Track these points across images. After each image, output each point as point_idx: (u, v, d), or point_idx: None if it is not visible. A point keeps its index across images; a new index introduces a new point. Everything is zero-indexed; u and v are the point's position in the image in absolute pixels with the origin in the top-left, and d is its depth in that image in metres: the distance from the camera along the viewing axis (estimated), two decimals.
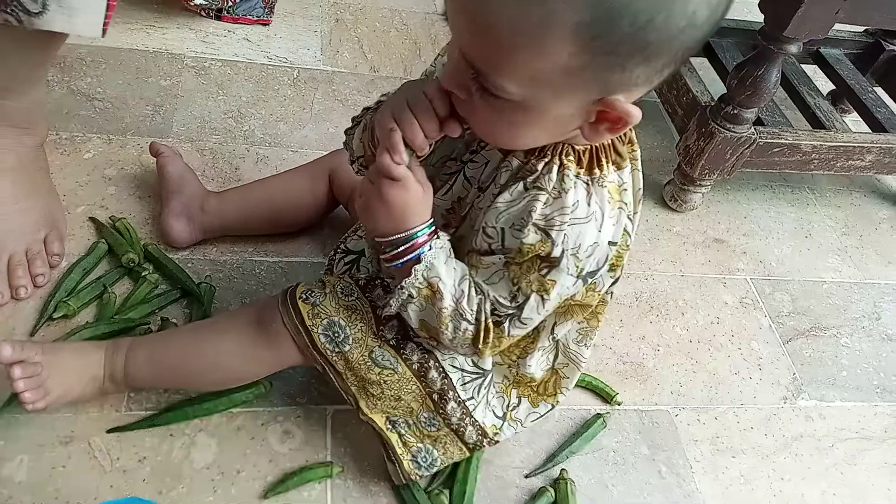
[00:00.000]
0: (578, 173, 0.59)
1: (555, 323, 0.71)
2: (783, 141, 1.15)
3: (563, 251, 0.59)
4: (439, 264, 0.63)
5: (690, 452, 0.92)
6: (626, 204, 0.62)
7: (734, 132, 1.10)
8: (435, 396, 0.74)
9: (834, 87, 1.48)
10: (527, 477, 0.86)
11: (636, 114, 0.52)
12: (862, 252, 1.27)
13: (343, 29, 1.44)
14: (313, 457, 0.81)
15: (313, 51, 1.36)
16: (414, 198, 0.61)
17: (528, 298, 0.62)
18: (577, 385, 0.95)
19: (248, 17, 1.36)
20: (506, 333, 0.65)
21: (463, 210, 0.68)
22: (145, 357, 0.77)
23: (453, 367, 0.74)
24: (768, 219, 1.28)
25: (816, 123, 1.26)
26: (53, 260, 0.90)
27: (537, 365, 0.76)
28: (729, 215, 1.27)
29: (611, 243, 0.61)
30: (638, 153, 0.65)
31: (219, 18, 1.34)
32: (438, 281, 0.62)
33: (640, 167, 0.65)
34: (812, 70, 1.44)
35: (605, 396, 0.95)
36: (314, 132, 1.21)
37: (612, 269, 0.64)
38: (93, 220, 0.97)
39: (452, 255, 0.65)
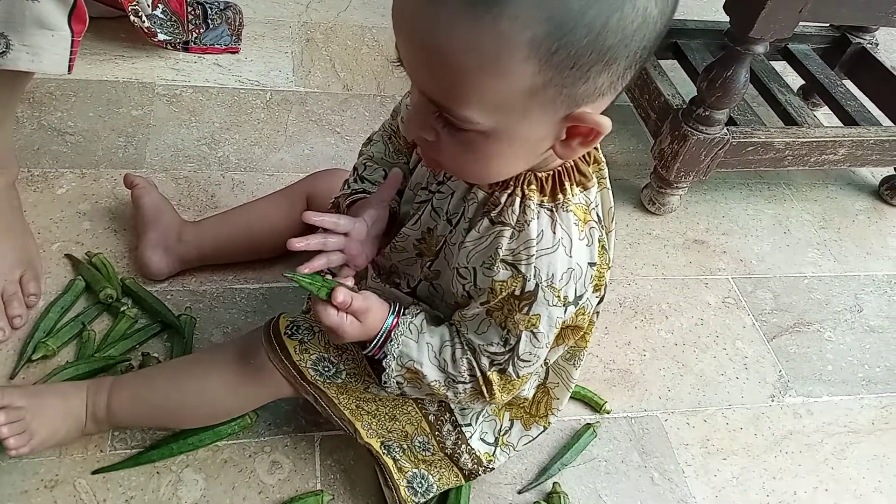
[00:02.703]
0: (542, 201, 0.59)
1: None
2: (756, 140, 1.16)
3: (536, 284, 0.58)
4: (410, 350, 0.65)
5: (681, 457, 0.92)
6: (597, 223, 0.61)
7: (707, 134, 1.11)
8: (431, 418, 0.74)
9: (804, 83, 1.50)
10: (520, 493, 0.85)
11: (607, 123, 0.51)
12: (841, 245, 1.28)
13: (314, 49, 1.44)
14: (303, 486, 0.80)
15: (285, 72, 1.36)
16: (363, 325, 0.64)
17: (519, 339, 0.62)
18: None
19: (216, 46, 1.36)
20: (514, 377, 0.65)
21: (435, 243, 0.67)
22: (129, 397, 0.76)
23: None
24: (746, 217, 1.29)
25: (788, 120, 1.27)
26: (30, 300, 0.89)
27: (529, 387, 0.76)
28: (707, 216, 1.28)
29: (591, 264, 0.60)
30: (606, 171, 0.64)
31: (186, 50, 1.33)
32: (413, 363, 0.65)
33: (609, 185, 0.64)
34: (781, 66, 1.45)
35: (594, 406, 0.95)
36: (290, 154, 1.20)
37: (596, 289, 0.63)
38: (69, 256, 0.96)
39: (425, 329, 0.66)
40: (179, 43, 1.32)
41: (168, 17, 1.29)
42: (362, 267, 0.76)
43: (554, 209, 0.59)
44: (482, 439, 0.77)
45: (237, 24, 1.41)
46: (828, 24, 1.47)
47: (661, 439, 0.93)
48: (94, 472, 0.77)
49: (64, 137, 1.13)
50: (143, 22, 1.23)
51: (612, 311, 1.08)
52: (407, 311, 0.67)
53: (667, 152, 1.15)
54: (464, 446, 0.75)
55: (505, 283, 0.59)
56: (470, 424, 0.75)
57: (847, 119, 1.32)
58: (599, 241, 0.61)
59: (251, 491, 0.79)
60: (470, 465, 0.77)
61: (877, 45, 1.44)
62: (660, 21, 0.47)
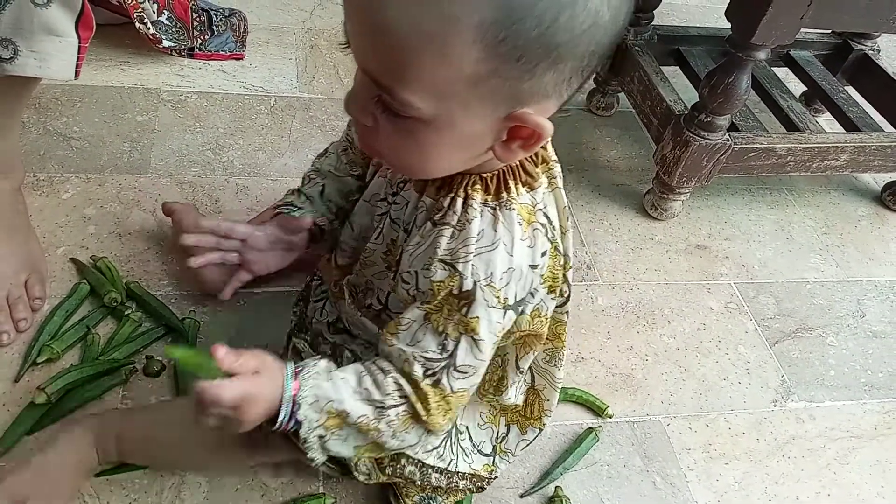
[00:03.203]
0: (486, 200, 0.57)
1: (517, 357, 0.69)
2: (758, 145, 1.16)
3: (474, 283, 0.56)
4: (325, 391, 0.58)
5: (684, 461, 0.92)
6: (544, 225, 0.59)
7: (709, 139, 1.12)
8: (417, 481, 0.74)
9: (806, 89, 1.50)
10: (522, 497, 0.85)
11: (549, 127, 0.50)
12: (843, 250, 1.28)
13: (318, 55, 1.45)
14: (306, 489, 0.81)
15: (289, 78, 1.37)
16: (252, 405, 0.55)
17: (458, 344, 0.58)
18: (567, 400, 0.96)
19: (221, 52, 1.37)
20: (449, 390, 0.59)
21: (397, 253, 0.66)
22: (137, 445, 0.76)
23: (424, 452, 0.72)
24: (749, 222, 1.30)
25: (790, 126, 1.28)
26: (35, 304, 0.90)
27: (516, 394, 0.74)
28: (710, 221, 1.28)
29: (532, 266, 0.58)
30: (557, 170, 0.63)
31: (191, 56, 1.34)
32: (333, 403, 0.58)
33: (561, 185, 0.63)
34: (783, 73, 1.46)
35: (597, 410, 0.95)
36: (293, 160, 1.21)
37: (551, 290, 0.61)
38: (74, 260, 0.97)
39: (334, 369, 0.61)
40: (184, 49, 1.33)
41: (173, 23, 1.30)
42: (260, 273, 0.82)
43: (497, 208, 0.57)
44: (479, 451, 0.77)
45: (242, 30, 1.42)
46: (829, 31, 1.48)
47: (663, 444, 0.94)
48: (97, 475, 0.77)
49: (69, 142, 1.14)
50: (149, 28, 1.24)
51: (615, 315, 1.08)
52: (304, 364, 0.60)
53: (669, 158, 1.15)
54: (455, 477, 0.75)
55: (443, 283, 0.57)
56: (452, 460, 0.74)
57: (849, 125, 1.32)
58: (552, 243, 0.60)
59: (254, 494, 0.79)
60: (472, 485, 0.78)
61: (878, 51, 1.45)
62: (611, 28, 0.47)
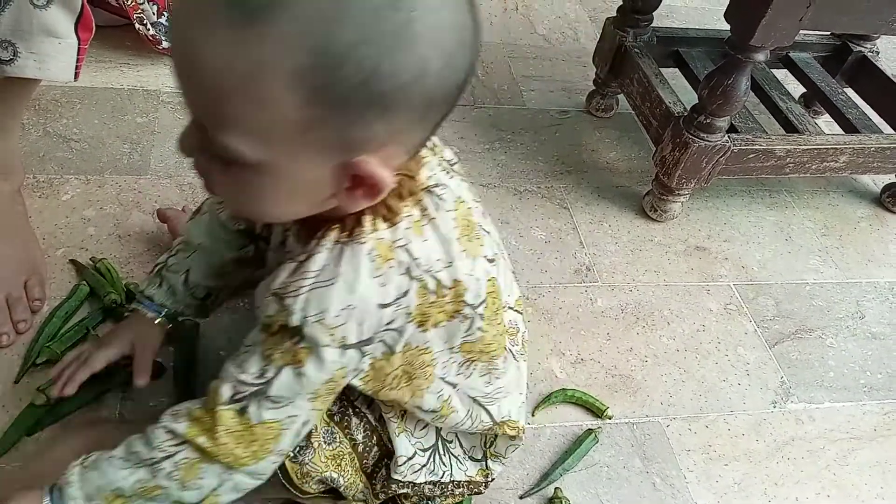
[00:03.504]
0: (339, 238, 0.55)
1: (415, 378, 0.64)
2: (757, 147, 1.16)
3: (303, 318, 0.53)
4: (89, 484, 0.59)
5: (683, 463, 0.92)
6: (402, 262, 0.55)
7: (708, 141, 1.12)
8: (413, 497, 0.75)
9: (805, 91, 1.50)
10: (522, 498, 0.85)
11: (386, 179, 0.48)
12: (842, 252, 1.28)
13: None
14: None
15: None
16: None
17: (279, 372, 0.56)
18: (567, 401, 0.96)
19: None
20: (255, 420, 0.57)
21: None
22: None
23: (412, 473, 0.71)
24: (748, 224, 1.30)
25: (789, 127, 1.28)
26: (35, 305, 0.90)
27: (436, 400, 0.67)
28: (709, 222, 1.28)
29: (382, 305, 0.55)
30: (431, 201, 0.58)
31: None
32: (102, 489, 0.58)
33: (438, 214, 0.58)
34: (783, 74, 1.46)
35: (596, 411, 0.95)
36: None
37: (421, 325, 0.58)
38: (73, 262, 0.97)
39: (98, 459, 0.61)
40: None
41: None
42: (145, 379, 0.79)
43: (347, 243, 0.54)
44: (471, 457, 0.76)
45: None
46: (829, 33, 1.48)
47: (662, 445, 0.94)
48: None
49: (69, 144, 1.14)
50: (148, 30, 1.24)
51: (614, 317, 1.08)
52: (66, 472, 0.61)
53: (668, 159, 1.15)
54: (450, 486, 0.75)
55: (273, 318, 0.55)
56: (445, 471, 0.74)
57: (848, 127, 1.32)
58: (418, 280, 0.56)
59: None
60: (468, 491, 0.78)
61: (878, 53, 1.45)
62: (446, 78, 0.45)
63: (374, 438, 0.71)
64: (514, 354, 0.72)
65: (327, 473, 0.69)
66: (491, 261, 0.64)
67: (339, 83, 0.42)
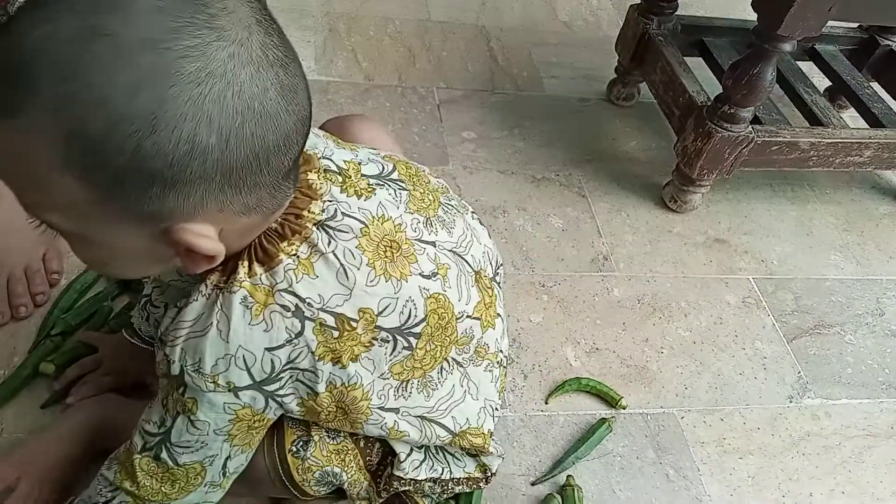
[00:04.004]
0: (218, 282, 0.54)
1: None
2: (781, 139, 1.15)
3: (181, 368, 0.53)
4: None
5: (697, 455, 0.91)
6: (286, 306, 0.54)
7: (731, 132, 1.10)
8: (414, 495, 0.74)
9: (830, 84, 1.48)
10: (533, 484, 0.85)
11: (210, 249, 0.48)
12: (863, 248, 1.27)
13: (336, 38, 1.44)
14: None
15: (307, 61, 1.36)
16: None
17: (174, 420, 0.56)
18: (581, 390, 0.95)
19: None
20: (172, 464, 0.58)
21: None
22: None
23: (414, 469, 0.71)
24: (769, 217, 1.28)
25: (814, 120, 1.26)
26: (53, 278, 0.90)
27: (378, 427, 0.65)
28: (729, 215, 1.26)
29: (270, 349, 0.54)
30: (319, 237, 0.55)
31: None
32: None
33: (332, 248, 0.56)
34: (808, 67, 1.43)
35: (610, 401, 0.94)
36: (309, 143, 1.20)
37: (336, 362, 0.57)
38: None
39: None
40: None
41: None
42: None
43: (221, 291, 0.54)
44: (468, 453, 0.75)
45: None
46: (856, 25, 1.45)
47: (676, 437, 0.93)
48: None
49: None
50: None
51: (631, 307, 1.07)
52: None
53: (690, 150, 1.14)
54: (451, 484, 0.75)
55: (159, 365, 0.55)
56: (445, 467, 0.73)
57: (873, 121, 1.30)
58: (311, 321, 0.54)
59: None
60: (468, 487, 0.77)
61: None
62: (239, 148, 0.44)
63: (364, 441, 0.70)
64: (458, 363, 0.67)
65: (329, 468, 0.68)
66: (431, 276, 0.61)
67: (106, 164, 0.42)
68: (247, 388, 0.55)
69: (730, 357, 1.04)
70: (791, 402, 1.00)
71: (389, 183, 0.64)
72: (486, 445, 0.71)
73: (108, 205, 0.44)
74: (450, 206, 0.69)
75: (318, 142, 0.61)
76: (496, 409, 0.73)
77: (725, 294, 1.13)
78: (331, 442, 0.68)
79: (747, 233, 1.24)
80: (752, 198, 1.31)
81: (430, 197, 0.67)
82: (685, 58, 1.26)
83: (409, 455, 0.70)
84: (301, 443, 0.67)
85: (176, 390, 0.55)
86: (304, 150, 0.58)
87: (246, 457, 0.62)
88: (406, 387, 0.64)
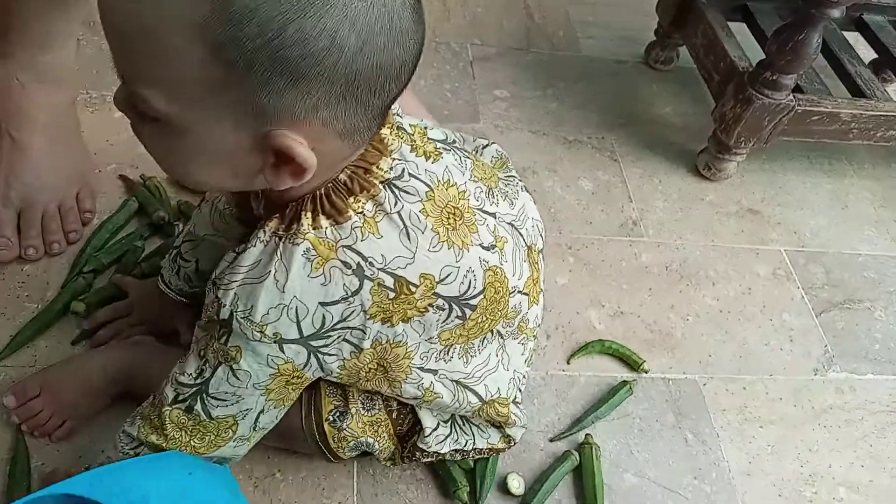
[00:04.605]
0: (277, 229, 0.54)
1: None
2: (822, 109, 1.12)
3: (231, 312, 0.52)
4: None
5: (717, 421, 0.91)
6: (347, 263, 0.53)
7: (772, 99, 1.07)
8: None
9: (876, 56, 1.43)
10: (551, 441, 0.85)
11: (306, 158, 0.47)
12: None
13: None
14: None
15: None
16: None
17: (214, 371, 0.56)
18: (604, 352, 0.95)
19: None
20: (205, 416, 0.58)
21: None
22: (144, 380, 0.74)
23: (437, 444, 0.71)
24: (804, 189, 1.26)
25: (857, 92, 1.22)
26: (85, 217, 0.91)
27: (415, 388, 0.64)
28: (764, 185, 1.24)
29: (324, 304, 0.53)
30: (388, 196, 0.54)
31: None
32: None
33: (399, 208, 0.55)
34: (854, 38, 1.39)
35: (633, 364, 0.94)
36: None
37: (386, 321, 0.56)
38: (123, 177, 0.98)
39: None
40: None
41: None
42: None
43: (283, 239, 0.53)
44: (493, 425, 0.74)
45: None
46: None
47: (697, 402, 0.93)
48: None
49: None
50: None
51: (658, 273, 1.07)
52: None
53: (728, 116, 1.12)
54: (474, 454, 0.75)
55: (208, 308, 0.55)
56: (469, 438, 0.73)
57: None
58: (371, 280, 0.54)
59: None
60: (489, 455, 0.77)
61: None
62: (369, 59, 0.44)
63: (408, 407, 0.71)
64: (500, 334, 0.67)
65: (363, 439, 0.69)
66: (489, 248, 0.60)
67: (243, 42, 0.41)
68: (293, 341, 0.54)
69: (756, 327, 1.03)
70: (816, 374, 0.99)
71: (456, 149, 0.63)
72: (510, 415, 0.71)
73: (225, 91, 0.44)
74: (511, 178, 0.69)
75: None
76: (523, 379, 0.73)
77: (755, 265, 1.11)
78: (366, 414, 0.69)
79: (781, 204, 1.22)
80: (787, 169, 1.28)
81: (490, 171, 0.67)
82: (728, 23, 1.23)
83: (434, 430, 0.70)
84: (338, 413, 0.68)
85: (218, 340, 0.55)
86: None
87: (278, 413, 0.62)
88: (448, 351, 0.64)
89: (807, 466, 0.89)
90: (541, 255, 0.71)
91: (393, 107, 0.58)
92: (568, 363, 0.93)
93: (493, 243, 0.61)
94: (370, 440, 0.70)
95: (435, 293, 0.57)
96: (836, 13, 0.99)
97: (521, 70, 1.34)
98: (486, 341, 0.66)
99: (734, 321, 1.03)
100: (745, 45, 1.19)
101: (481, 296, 0.60)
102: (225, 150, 0.49)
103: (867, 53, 1.42)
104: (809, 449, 0.91)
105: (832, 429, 0.94)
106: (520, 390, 0.73)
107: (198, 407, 0.58)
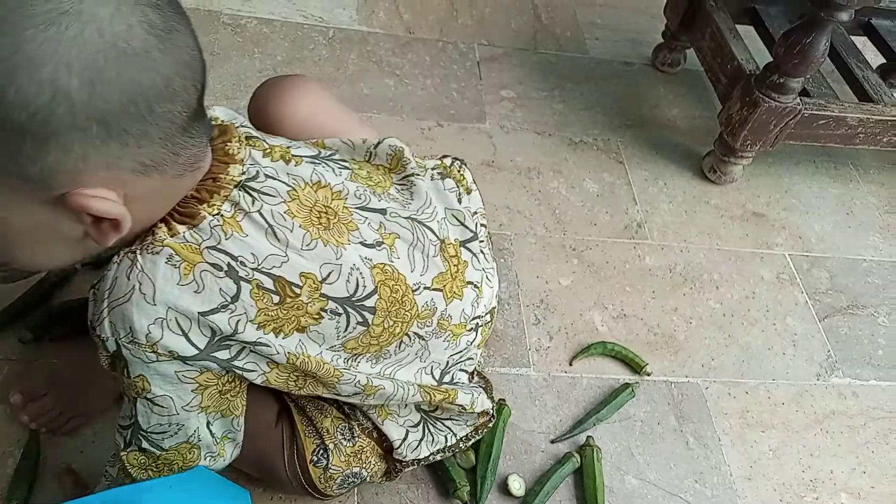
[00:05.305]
0: (129, 249, 0.51)
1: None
2: (829, 113, 1.11)
3: (116, 342, 0.49)
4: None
5: (719, 425, 0.91)
6: (217, 265, 0.50)
7: (779, 102, 1.07)
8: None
9: (884, 62, 1.43)
10: (553, 442, 0.86)
11: (105, 208, 0.45)
12: None
13: None
14: None
15: (349, 10, 1.35)
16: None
17: (135, 407, 0.53)
18: (606, 354, 0.95)
19: None
20: (157, 451, 0.56)
21: None
22: None
23: (412, 452, 0.71)
24: (810, 194, 1.25)
25: (864, 96, 1.22)
26: None
27: (353, 388, 0.62)
28: (769, 189, 1.24)
29: (204, 314, 0.50)
30: (242, 197, 0.52)
31: None
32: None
33: (257, 207, 0.53)
34: (862, 42, 1.38)
35: (635, 366, 0.94)
36: (347, 93, 1.20)
37: (279, 332, 0.53)
38: None
39: None
40: None
41: None
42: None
43: (139, 251, 0.50)
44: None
45: None
46: None
47: (699, 406, 0.93)
48: None
49: None
50: None
51: (661, 276, 1.06)
52: None
53: (735, 119, 1.11)
54: (459, 444, 0.75)
55: (99, 350, 0.51)
56: (445, 432, 0.73)
57: None
58: (247, 282, 0.51)
59: None
60: (478, 435, 0.76)
61: None
62: (106, 94, 0.41)
63: (377, 432, 0.70)
64: (419, 336, 0.64)
65: (349, 471, 0.68)
66: (374, 245, 0.58)
67: None
68: (194, 358, 0.51)
69: (759, 332, 1.03)
70: (818, 379, 0.99)
71: (327, 161, 0.61)
72: (455, 396, 0.68)
73: None
74: (408, 180, 0.66)
75: (238, 116, 0.59)
76: (447, 366, 0.70)
77: (760, 269, 1.11)
78: (348, 445, 0.68)
79: (786, 208, 1.22)
80: (793, 173, 1.28)
81: (380, 172, 0.65)
82: (736, 25, 1.22)
83: (404, 440, 0.69)
84: (321, 451, 0.67)
85: (123, 375, 0.52)
86: (222, 121, 0.57)
87: (233, 421, 0.59)
88: (356, 358, 0.61)
89: (808, 472, 0.89)
90: (480, 245, 0.69)
91: (237, 121, 0.58)
92: (570, 365, 0.93)
93: (380, 240, 0.59)
94: (356, 469, 0.69)
95: (323, 294, 0.55)
96: (844, 17, 0.99)
97: (528, 71, 1.34)
98: (403, 345, 0.63)
99: (737, 325, 1.03)
100: (752, 49, 1.19)
101: (376, 296, 0.58)
102: (34, 228, 0.47)
103: (875, 58, 1.42)
104: (811, 454, 0.91)
105: (834, 434, 0.93)
106: (433, 376, 0.69)
107: (145, 444, 0.56)
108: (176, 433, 0.55)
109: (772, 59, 1.08)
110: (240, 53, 1.21)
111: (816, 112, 1.10)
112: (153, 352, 0.50)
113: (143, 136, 0.45)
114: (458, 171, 0.74)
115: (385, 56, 1.29)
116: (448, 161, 0.75)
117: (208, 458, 0.59)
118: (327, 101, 0.75)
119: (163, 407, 0.53)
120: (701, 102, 1.36)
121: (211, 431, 0.58)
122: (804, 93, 1.14)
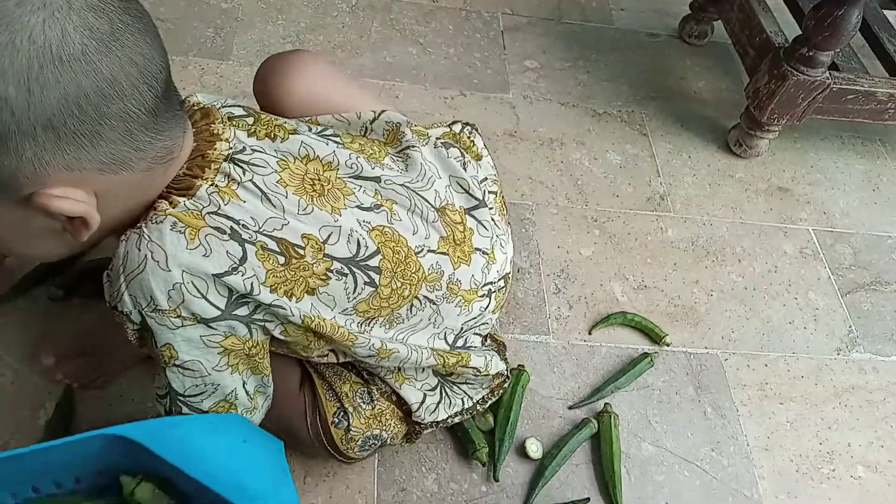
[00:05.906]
0: (134, 228, 0.52)
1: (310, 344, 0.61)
2: (858, 87, 1.10)
3: (140, 314, 0.51)
4: None
5: (737, 396, 0.92)
6: (220, 228, 0.52)
7: (808, 76, 1.06)
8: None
9: None
10: (570, 408, 0.86)
11: (67, 208, 0.46)
12: None
13: None
14: None
15: None
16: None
17: (167, 376, 0.55)
18: (626, 324, 0.95)
19: None
20: (197, 413, 0.58)
21: None
22: None
23: (430, 414, 0.71)
24: (835, 169, 1.24)
25: (894, 71, 1.20)
26: None
27: (367, 349, 0.63)
28: (795, 164, 1.23)
29: (218, 275, 0.51)
30: (232, 170, 0.54)
31: None
32: None
33: (249, 177, 0.54)
34: (894, 16, 1.36)
35: (654, 337, 0.95)
36: (370, 61, 1.20)
37: (288, 293, 0.55)
38: None
39: None
40: None
41: None
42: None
43: (142, 226, 0.51)
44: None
45: None
46: None
47: (718, 377, 0.93)
48: None
49: (156, 23, 1.15)
50: None
51: (684, 248, 1.06)
52: None
53: (762, 92, 1.10)
54: (476, 406, 0.76)
55: (125, 327, 0.53)
56: (463, 396, 0.74)
57: None
58: (252, 244, 0.53)
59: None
60: (495, 396, 0.77)
61: None
62: (42, 96, 0.42)
63: (395, 396, 0.71)
64: (430, 300, 0.65)
65: (370, 433, 0.69)
66: (371, 208, 0.59)
67: None
68: (216, 319, 0.53)
69: (781, 305, 1.02)
70: (839, 354, 0.99)
71: (317, 137, 0.62)
72: (466, 361, 0.69)
73: None
74: (404, 153, 0.67)
75: (221, 99, 0.61)
76: (461, 331, 0.70)
77: (783, 243, 1.10)
78: (367, 408, 0.69)
79: (811, 183, 1.20)
80: (819, 148, 1.27)
81: (375, 144, 0.65)
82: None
83: (422, 403, 0.70)
84: (342, 413, 0.68)
85: (154, 347, 0.53)
86: (204, 105, 0.58)
87: (263, 378, 0.61)
88: (369, 323, 0.62)
89: (825, 444, 0.89)
90: (490, 212, 0.70)
91: (218, 103, 0.59)
92: (590, 333, 0.94)
93: (378, 203, 0.60)
94: (377, 431, 0.70)
95: (326, 255, 0.56)
96: None
97: (552, 41, 1.33)
98: (414, 309, 0.64)
99: (759, 298, 1.02)
100: (781, 21, 1.17)
101: (379, 255, 0.59)
102: (16, 225, 0.49)
103: None
104: (829, 427, 0.91)
105: (853, 408, 0.93)
106: (446, 340, 0.70)
107: (185, 410, 0.57)
108: (213, 392, 0.57)
109: (801, 32, 1.06)
110: (264, 20, 1.21)
111: (846, 86, 1.09)
112: (178, 316, 0.51)
113: (97, 137, 0.45)
114: (468, 137, 0.75)
115: (408, 24, 1.29)
116: (458, 127, 0.75)
117: (246, 414, 0.61)
118: (329, 76, 0.74)
119: (193, 371, 0.55)
120: (728, 75, 1.34)
121: (246, 390, 0.59)
122: (833, 67, 1.13)
